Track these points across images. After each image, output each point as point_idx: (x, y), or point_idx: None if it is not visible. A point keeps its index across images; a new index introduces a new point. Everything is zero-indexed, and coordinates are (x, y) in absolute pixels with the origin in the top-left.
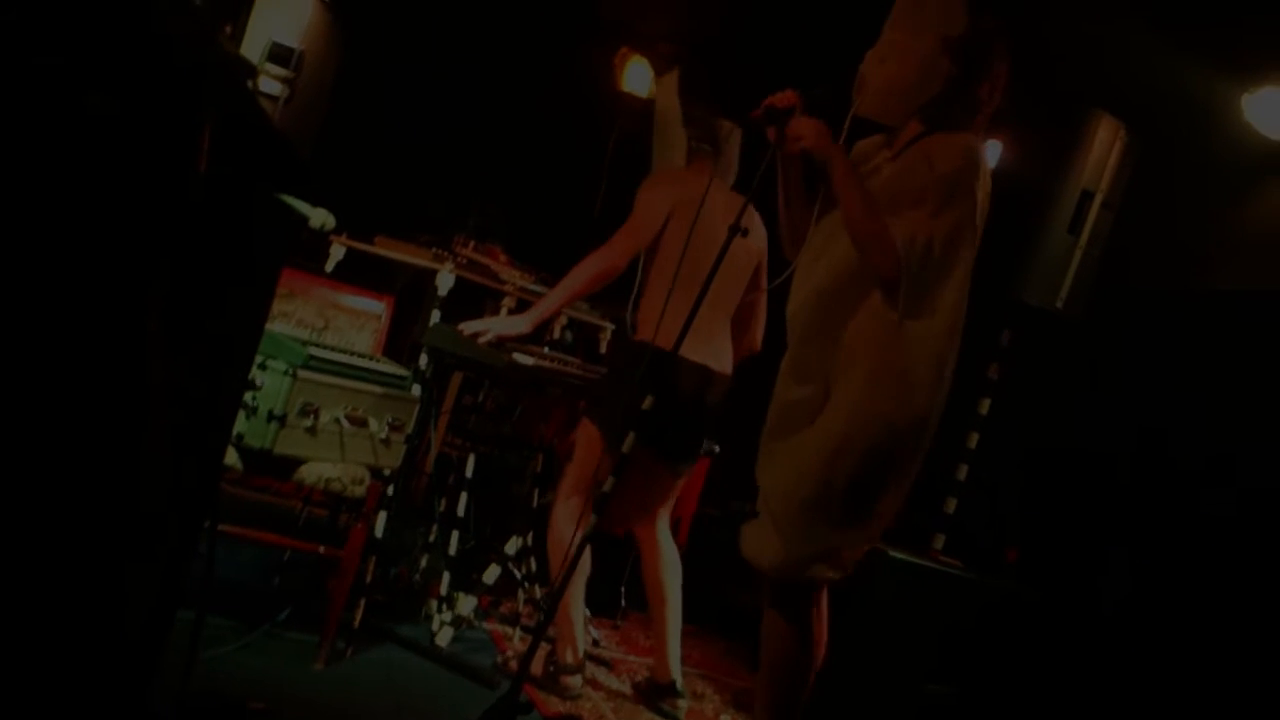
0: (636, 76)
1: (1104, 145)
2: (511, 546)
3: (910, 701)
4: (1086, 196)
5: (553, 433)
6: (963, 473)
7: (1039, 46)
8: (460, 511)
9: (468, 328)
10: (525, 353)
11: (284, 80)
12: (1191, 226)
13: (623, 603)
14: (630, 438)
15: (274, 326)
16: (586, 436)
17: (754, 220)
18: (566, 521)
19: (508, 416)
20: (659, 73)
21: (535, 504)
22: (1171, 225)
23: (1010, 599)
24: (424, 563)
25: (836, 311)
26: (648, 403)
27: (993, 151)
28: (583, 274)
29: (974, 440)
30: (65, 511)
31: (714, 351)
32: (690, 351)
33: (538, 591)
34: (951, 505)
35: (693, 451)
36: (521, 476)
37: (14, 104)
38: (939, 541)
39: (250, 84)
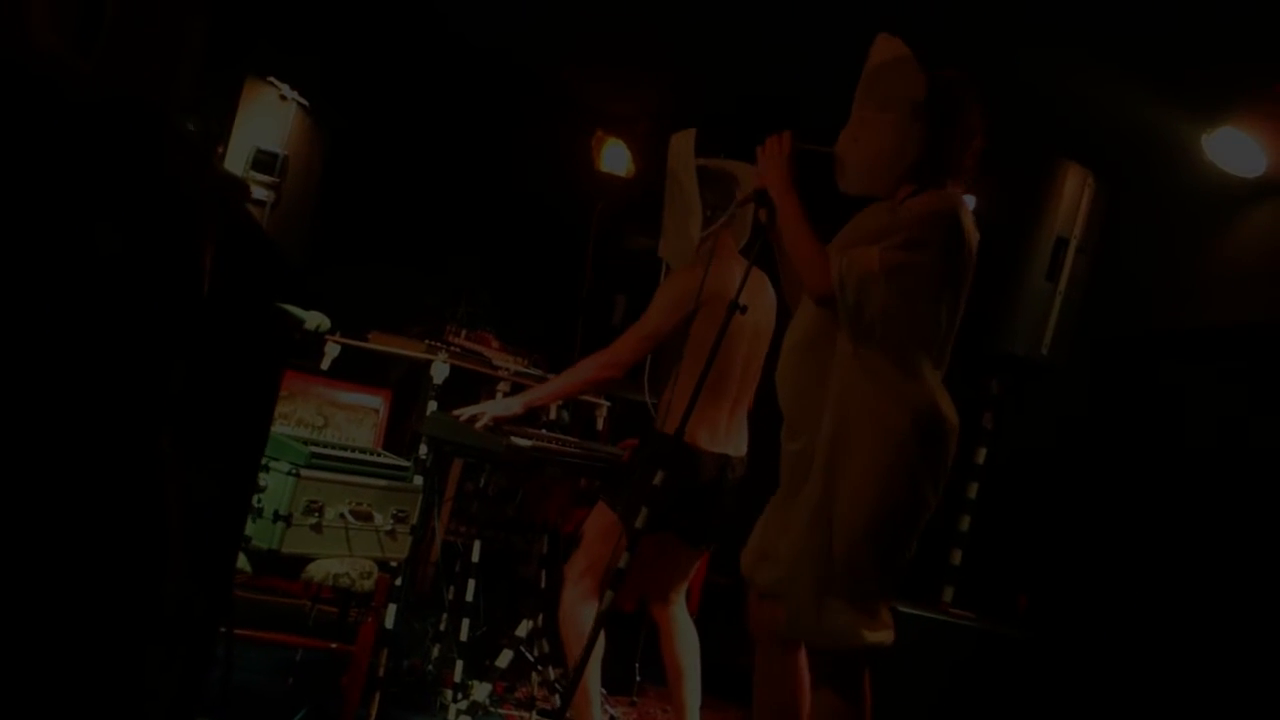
0: (614, 157)
1: (1073, 192)
2: (523, 630)
3: None
4: (1061, 244)
5: (555, 513)
6: (965, 523)
7: (1001, 99)
8: (469, 598)
9: (463, 413)
10: (522, 435)
11: (269, 186)
12: (1166, 266)
13: (638, 678)
14: (644, 513)
15: (275, 428)
16: (603, 522)
17: (762, 289)
18: (578, 603)
19: (510, 500)
20: (642, 146)
21: (543, 585)
22: (1147, 266)
23: (1022, 647)
24: (436, 652)
25: (813, 365)
26: (658, 478)
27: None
28: (582, 375)
29: (974, 490)
30: (86, 622)
31: (734, 438)
32: (710, 442)
33: (552, 674)
34: (957, 557)
35: (713, 533)
36: (528, 559)
37: (26, 238)
38: (948, 594)
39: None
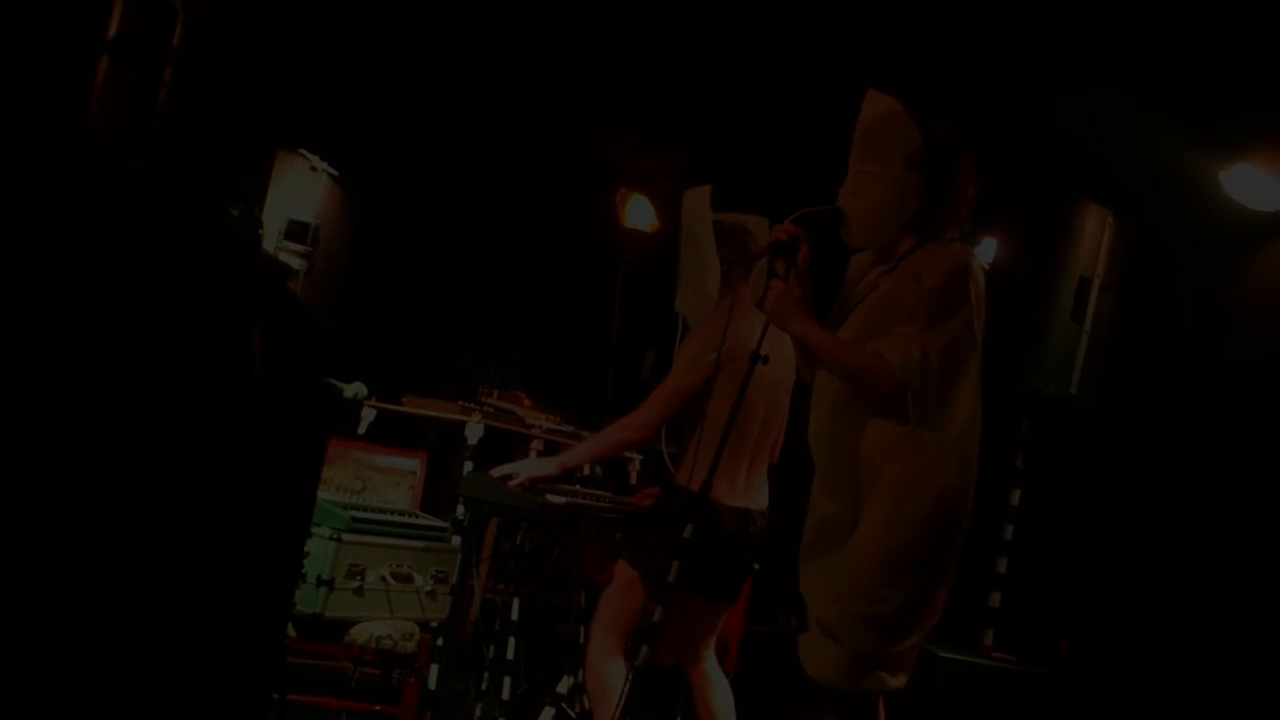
0: (637, 212)
1: (1094, 232)
2: (564, 686)
3: None
4: (1085, 283)
5: (591, 568)
6: (1003, 565)
7: (1019, 141)
8: (510, 656)
9: (498, 472)
10: (557, 492)
11: (302, 255)
12: (1189, 302)
13: None
14: (675, 566)
15: None
16: (624, 577)
17: (781, 340)
18: (603, 659)
19: (546, 557)
20: (663, 202)
21: (582, 641)
22: (1171, 303)
23: (1066, 689)
24: (479, 712)
25: (851, 427)
26: (688, 531)
27: (987, 249)
28: (613, 438)
29: (1009, 532)
30: (149, 692)
31: (754, 492)
32: (730, 497)
33: None
34: (996, 599)
35: (734, 588)
36: (566, 615)
37: (86, 325)
38: (989, 637)
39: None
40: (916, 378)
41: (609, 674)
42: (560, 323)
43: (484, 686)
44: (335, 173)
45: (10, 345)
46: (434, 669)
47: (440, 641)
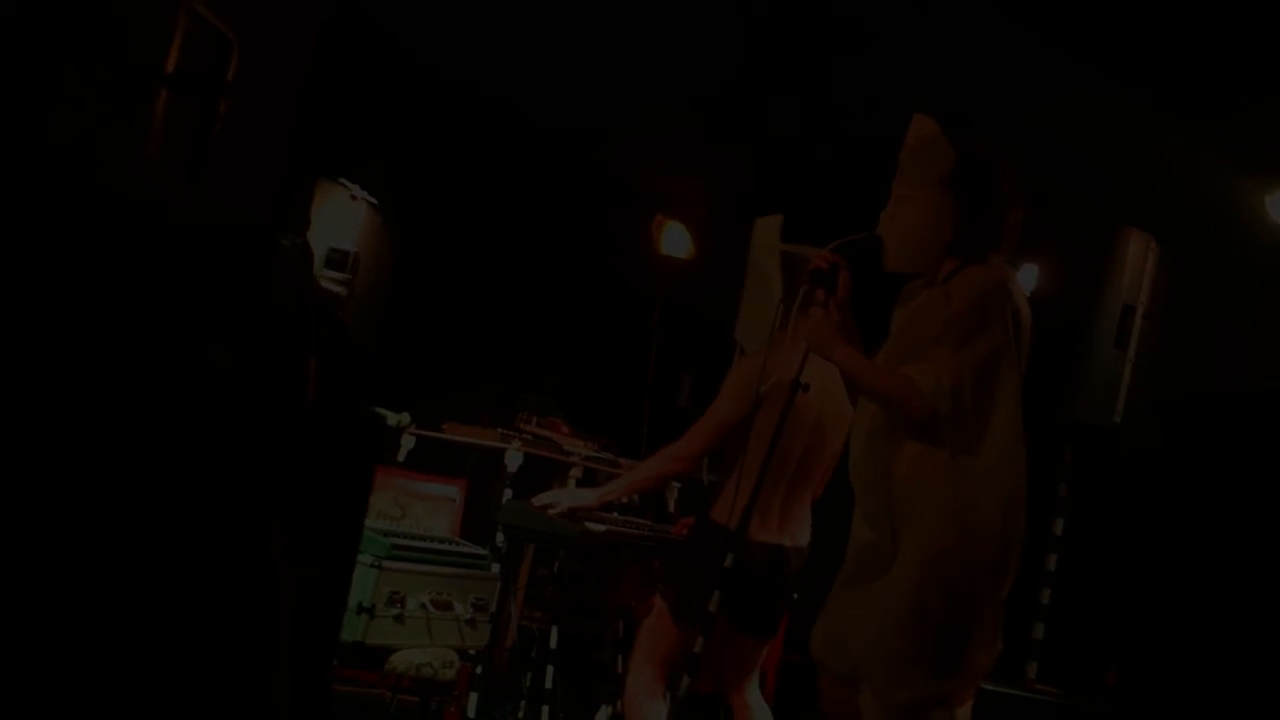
0: (674, 239)
1: (1137, 259)
2: (602, 716)
3: None
4: (1128, 311)
5: (629, 596)
6: (1046, 596)
7: (1060, 169)
8: (548, 685)
9: (538, 500)
10: (595, 519)
11: (342, 283)
12: (1233, 328)
13: None
14: (716, 596)
15: None
16: (660, 609)
17: (831, 377)
18: (642, 691)
19: (584, 585)
20: (699, 229)
21: (620, 670)
22: (1215, 329)
23: None
24: None
25: (887, 454)
26: (729, 561)
27: (1029, 275)
28: (654, 469)
29: (1053, 562)
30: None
31: (790, 529)
32: (761, 532)
33: None
34: (1039, 631)
35: (772, 624)
36: (603, 644)
37: (146, 354)
38: (1032, 669)
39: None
40: (947, 402)
41: (648, 707)
42: (598, 349)
43: (521, 715)
44: (374, 201)
45: (71, 372)
46: (473, 697)
47: (479, 670)
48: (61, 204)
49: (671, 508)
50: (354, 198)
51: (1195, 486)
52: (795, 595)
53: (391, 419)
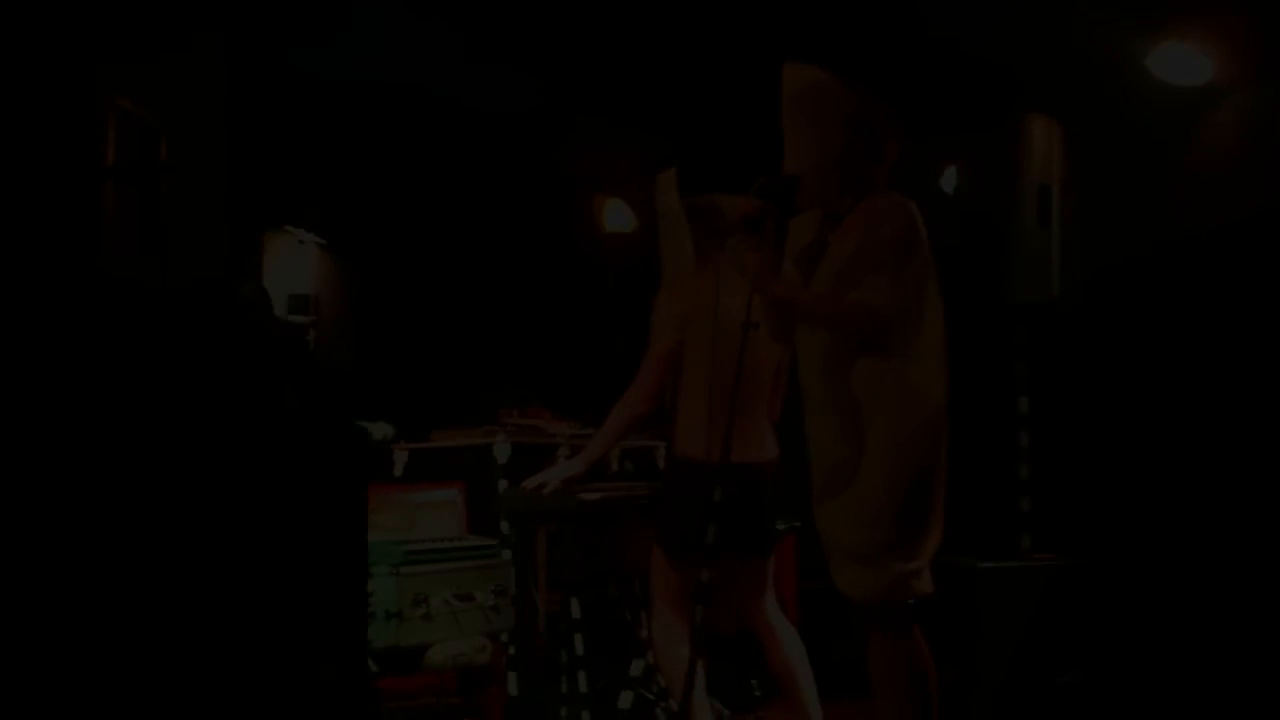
0: (615, 216)
1: (1043, 140)
2: (637, 669)
3: (1047, 698)
4: (1045, 190)
5: (639, 554)
6: (1025, 471)
7: (955, 63)
8: (580, 652)
9: (531, 483)
10: (591, 490)
11: (308, 324)
12: (1141, 186)
13: (757, 694)
14: (712, 529)
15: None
16: (656, 554)
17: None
18: (664, 634)
19: (597, 553)
20: (638, 201)
21: (644, 626)
22: (1127, 191)
23: (1107, 574)
24: (564, 714)
25: (846, 374)
26: (718, 494)
27: (950, 177)
28: (621, 418)
29: (1025, 438)
30: None
31: (754, 445)
32: (710, 454)
33: (674, 705)
34: (1026, 504)
35: (761, 540)
36: (627, 604)
37: (159, 416)
38: (1026, 541)
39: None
40: (899, 315)
41: (673, 647)
42: (564, 332)
43: (564, 689)
44: (322, 241)
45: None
46: (512, 676)
47: (512, 650)
48: (48, 290)
49: (662, 465)
50: (301, 242)
51: (1143, 341)
52: (797, 523)
53: (376, 431)
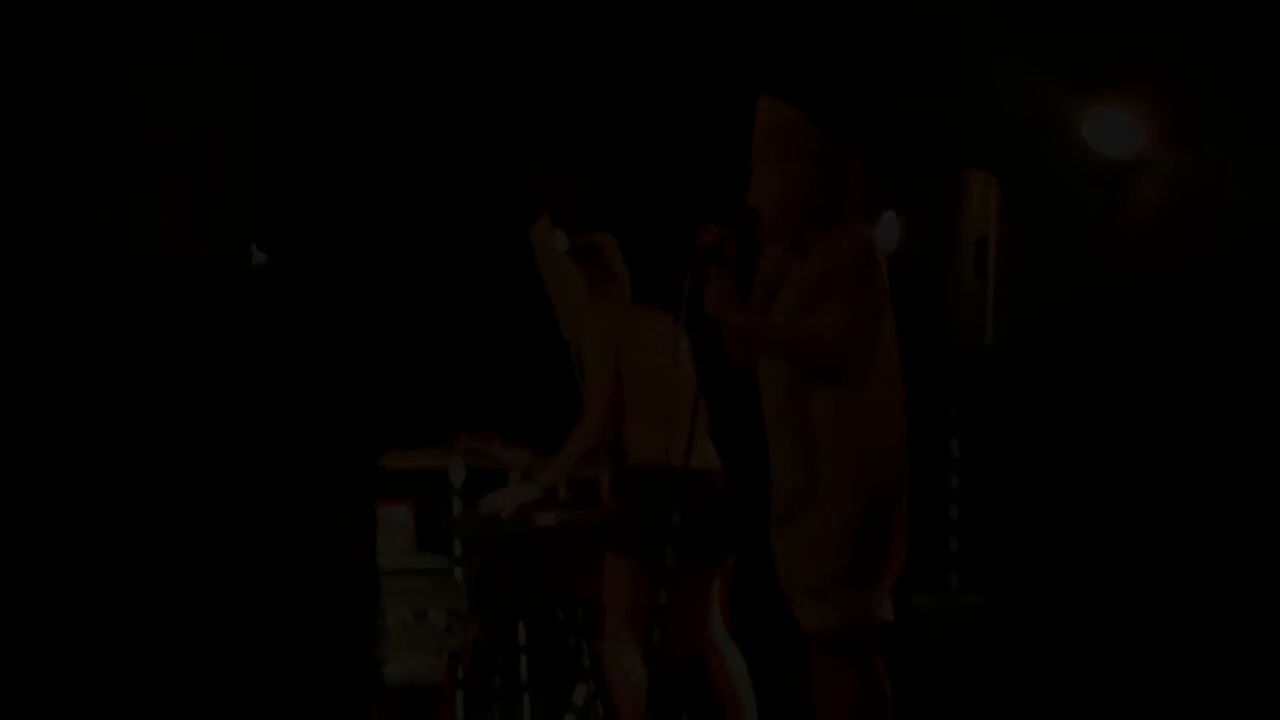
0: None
1: (980, 195)
2: (579, 696)
3: None
4: (982, 242)
5: (585, 582)
6: (954, 512)
7: (901, 121)
8: (524, 677)
9: (486, 507)
10: (544, 514)
11: None
12: (1077, 244)
13: None
14: (670, 551)
15: None
16: (614, 570)
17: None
18: (619, 656)
19: (543, 576)
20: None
21: (588, 651)
22: (1062, 247)
23: (1026, 612)
24: None
25: (803, 402)
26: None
27: (889, 224)
28: (577, 449)
29: (955, 480)
30: None
31: (702, 453)
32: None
33: None
34: (954, 545)
35: (710, 548)
36: (571, 630)
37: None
38: (954, 580)
39: None
40: (853, 346)
41: (630, 668)
42: (513, 358)
43: (496, 714)
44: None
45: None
46: (459, 696)
47: (460, 671)
48: (111, 272)
49: (604, 494)
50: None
51: (1070, 391)
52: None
53: None
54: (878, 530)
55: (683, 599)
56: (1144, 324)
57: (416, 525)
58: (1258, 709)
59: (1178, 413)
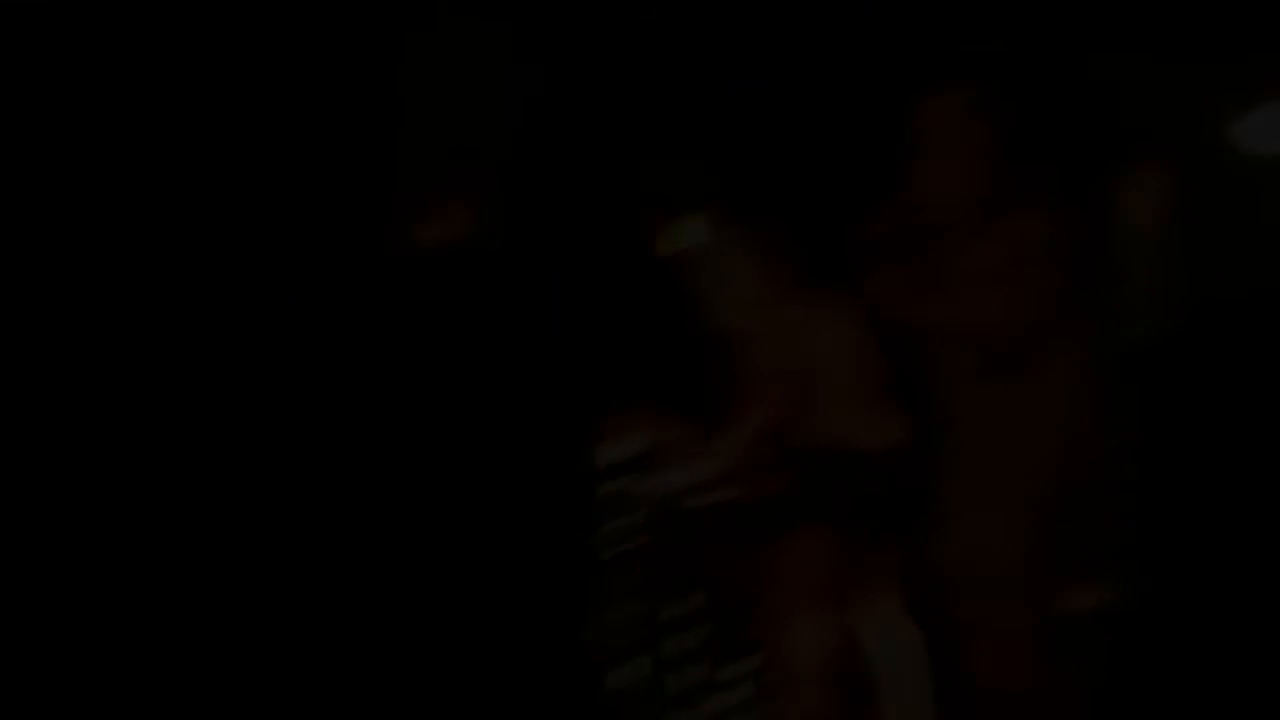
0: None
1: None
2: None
3: None
4: (1157, 230)
5: (744, 564)
6: (1131, 504)
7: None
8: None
9: (652, 485)
10: (713, 492)
11: None
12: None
13: None
14: (854, 524)
15: None
16: (803, 552)
17: None
18: (799, 631)
19: (707, 558)
20: None
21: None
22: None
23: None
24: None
25: (972, 391)
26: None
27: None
28: (745, 435)
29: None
30: None
31: (880, 427)
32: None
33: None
34: (1130, 536)
35: (892, 524)
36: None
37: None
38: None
39: None
40: (1031, 334)
41: (809, 644)
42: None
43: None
44: None
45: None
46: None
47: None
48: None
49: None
50: None
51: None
52: None
53: None
54: (1057, 524)
55: (860, 575)
56: None
57: None
58: None
59: None
